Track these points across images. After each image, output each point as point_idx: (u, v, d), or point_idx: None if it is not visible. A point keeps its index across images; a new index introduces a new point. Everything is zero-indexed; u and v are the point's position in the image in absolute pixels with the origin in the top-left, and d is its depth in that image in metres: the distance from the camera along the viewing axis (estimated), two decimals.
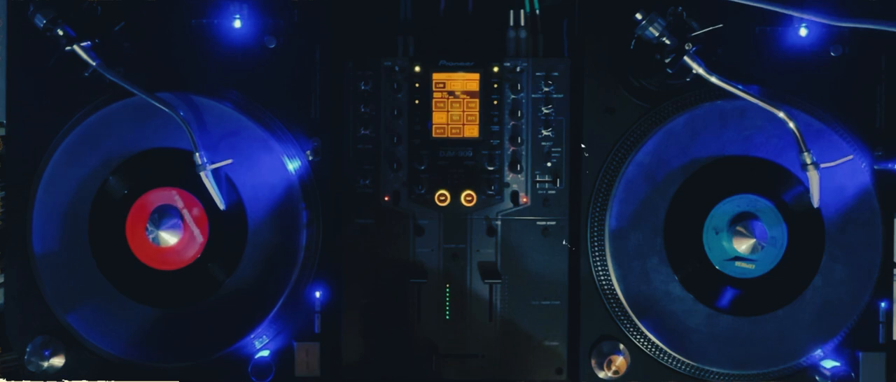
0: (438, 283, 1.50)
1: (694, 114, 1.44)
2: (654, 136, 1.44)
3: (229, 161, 1.39)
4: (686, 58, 1.33)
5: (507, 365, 1.51)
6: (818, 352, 1.45)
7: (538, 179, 1.50)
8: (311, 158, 1.47)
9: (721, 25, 1.35)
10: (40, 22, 1.33)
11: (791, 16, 1.39)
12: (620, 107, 1.48)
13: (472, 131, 1.50)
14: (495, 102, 1.50)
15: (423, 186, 1.49)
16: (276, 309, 1.42)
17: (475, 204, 1.50)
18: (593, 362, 1.47)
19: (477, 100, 1.50)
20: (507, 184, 1.50)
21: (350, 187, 1.50)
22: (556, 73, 1.50)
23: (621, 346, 1.46)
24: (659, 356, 1.46)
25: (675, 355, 1.44)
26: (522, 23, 1.54)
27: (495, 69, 1.50)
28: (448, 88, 1.50)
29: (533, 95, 1.50)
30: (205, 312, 1.42)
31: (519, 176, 1.50)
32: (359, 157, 1.50)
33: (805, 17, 1.35)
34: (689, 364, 1.45)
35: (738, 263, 1.43)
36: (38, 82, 1.45)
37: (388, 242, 1.50)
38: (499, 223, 1.50)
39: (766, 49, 1.48)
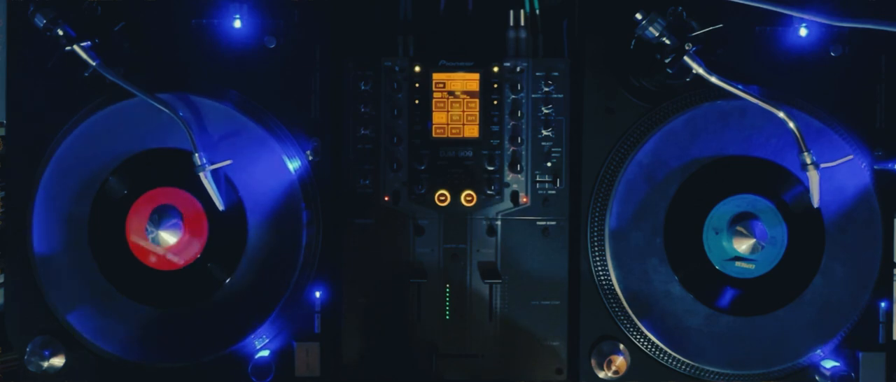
0: (438, 283, 1.50)
1: (694, 114, 1.44)
2: (654, 136, 1.44)
3: (229, 161, 1.39)
4: (686, 58, 1.33)
5: (507, 365, 1.51)
6: (818, 352, 1.45)
7: (538, 179, 1.50)
8: (311, 158, 1.47)
9: (721, 25, 1.35)
10: (40, 22, 1.33)
11: (791, 16, 1.39)
12: (620, 108, 1.48)
13: (472, 131, 1.50)
14: (495, 102, 1.50)
15: (423, 186, 1.49)
16: (276, 309, 1.42)
17: (475, 204, 1.50)
18: (593, 362, 1.47)
19: (477, 100, 1.50)
20: (507, 184, 1.50)
21: (350, 187, 1.50)
22: (556, 73, 1.50)
23: (621, 346, 1.47)
24: (659, 356, 1.46)
25: (675, 355, 1.44)
26: (522, 23, 1.55)
27: (495, 69, 1.50)
28: (448, 88, 1.50)
29: (533, 95, 1.50)
30: (205, 312, 1.42)
31: (519, 176, 1.50)
32: (359, 157, 1.50)
33: (805, 17, 1.35)
34: (688, 364, 1.45)
35: (738, 263, 1.43)
36: (38, 82, 1.45)
37: (388, 242, 1.50)
38: (499, 223, 1.50)
39: (766, 49, 1.48)
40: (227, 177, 1.41)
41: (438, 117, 1.50)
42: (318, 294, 1.46)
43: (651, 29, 1.33)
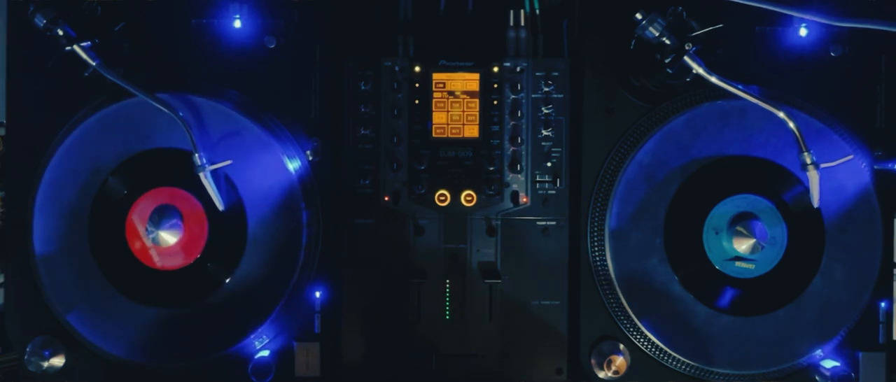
0: (438, 283, 1.50)
1: (694, 114, 1.44)
2: (654, 136, 1.44)
3: (228, 162, 1.39)
4: (686, 58, 1.33)
5: (507, 365, 1.50)
6: (818, 352, 1.45)
7: (538, 179, 1.50)
8: (311, 158, 1.47)
9: (721, 25, 1.35)
10: (40, 22, 1.33)
11: (791, 16, 1.39)
12: (620, 108, 1.48)
13: (472, 131, 1.50)
14: (495, 102, 1.50)
15: (423, 186, 1.49)
16: (276, 309, 1.42)
17: (475, 204, 1.50)
18: (593, 362, 1.47)
19: (477, 100, 1.50)
20: (507, 184, 1.50)
21: (350, 187, 1.50)
22: (556, 73, 1.50)
23: (621, 346, 1.46)
24: (659, 356, 1.46)
25: (675, 355, 1.44)
26: (522, 23, 1.54)
27: (495, 69, 1.50)
28: (448, 88, 1.50)
29: (533, 95, 1.50)
30: (205, 312, 1.42)
31: (519, 176, 1.50)
32: (359, 157, 1.50)
33: (805, 17, 1.35)
34: (689, 364, 1.45)
35: (738, 263, 1.43)
36: (38, 82, 1.45)
37: (388, 242, 1.50)
38: (499, 223, 1.50)
39: (766, 49, 1.48)
40: (227, 176, 1.41)
41: (438, 117, 1.50)
42: (318, 294, 1.46)
43: (651, 29, 1.33)
